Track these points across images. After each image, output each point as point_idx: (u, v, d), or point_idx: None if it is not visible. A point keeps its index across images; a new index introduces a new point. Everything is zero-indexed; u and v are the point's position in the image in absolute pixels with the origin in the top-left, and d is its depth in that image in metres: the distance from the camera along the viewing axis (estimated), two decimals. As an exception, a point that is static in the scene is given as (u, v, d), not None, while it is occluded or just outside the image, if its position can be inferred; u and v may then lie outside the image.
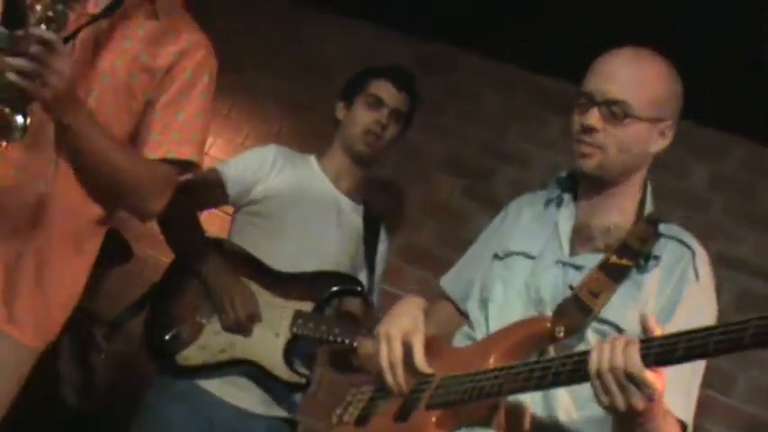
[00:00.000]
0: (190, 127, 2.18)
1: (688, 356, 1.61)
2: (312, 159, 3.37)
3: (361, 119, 3.28)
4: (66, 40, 1.99)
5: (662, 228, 2.13)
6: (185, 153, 2.18)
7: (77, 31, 2.04)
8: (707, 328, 1.60)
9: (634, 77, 2.04)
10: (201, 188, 3.14)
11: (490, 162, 4.65)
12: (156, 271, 3.56)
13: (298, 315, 3.05)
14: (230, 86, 4.12)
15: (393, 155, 4.26)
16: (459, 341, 2.22)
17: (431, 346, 2.09)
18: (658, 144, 2.12)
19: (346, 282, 3.21)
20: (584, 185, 2.21)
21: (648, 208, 2.18)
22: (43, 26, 1.81)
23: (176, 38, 2.19)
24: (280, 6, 4.86)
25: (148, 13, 2.17)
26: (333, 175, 3.33)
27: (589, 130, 2.05)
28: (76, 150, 2.03)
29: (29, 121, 1.79)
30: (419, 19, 4.40)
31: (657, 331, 1.69)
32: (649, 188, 2.22)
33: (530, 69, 4.54)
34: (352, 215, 3.35)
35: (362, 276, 3.31)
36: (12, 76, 1.75)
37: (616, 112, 2.02)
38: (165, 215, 2.40)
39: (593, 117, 2.04)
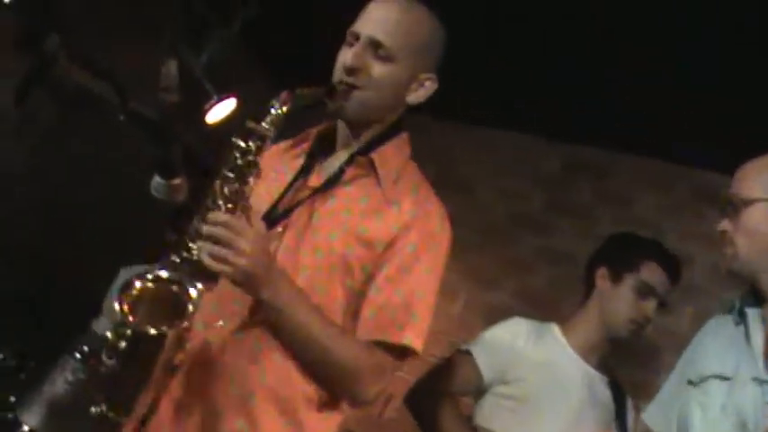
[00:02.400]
0: (409, 307, 1.95)
1: None
2: (556, 330, 3.15)
3: (628, 305, 3.08)
4: (285, 213, 1.96)
5: None
6: (401, 337, 1.94)
7: (297, 204, 1.99)
8: None
9: None
10: (454, 371, 3.05)
11: (652, 265, 4.42)
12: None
13: None
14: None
15: (548, 267, 4.13)
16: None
17: None
18: None
19: None
20: None
21: None
22: (222, 204, 1.78)
23: (400, 207, 1.98)
24: (420, 121, 4.85)
25: (371, 181, 2.02)
26: (582, 349, 3.10)
27: None
28: (278, 327, 1.91)
29: (200, 293, 1.73)
30: (566, 125, 4.30)
31: None
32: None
33: (686, 164, 4.35)
34: (604, 390, 3.12)
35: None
36: (203, 257, 1.73)
37: None
38: (416, 402, 2.28)
39: None
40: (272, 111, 1.85)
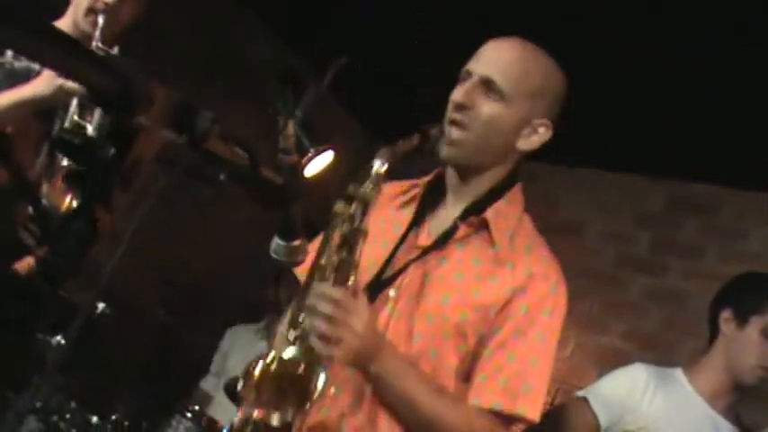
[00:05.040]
0: (523, 375, 1.86)
1: None
2: (680, 375, 3.03)
3: (755, 350, 2.94)
4: (395, 276, 1.90)
5: None
6: (513, 407, 1.85)
7: (406, 266, 1.92)
8: None
9: None
10: (570, 419, 2.97)
11: (764, 302, 4.26)
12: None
13: None
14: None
15: (658, 308, 4.00)
16: None
17: None
18: None
19: None
20: None
21: None
22: (330, 275, 1.73)
23: (514, 268, 1.89)
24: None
25: (485, 241, 1.92)
26: (709, 394, 2.95)
27: None
28: (387, 398, 1.84)
29: (325, 379, 1.69)
30: (668, 162, 4.21)
31: None
32: None
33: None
34: None
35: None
36: (312, 339, 1.67)
37: None
38: None
39: None
40: (372, 170, 1.76)
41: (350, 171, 1.86)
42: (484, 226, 1.91)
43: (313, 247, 1.75)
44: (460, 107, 1.85)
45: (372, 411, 1.86)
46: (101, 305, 3.06)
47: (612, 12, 3.32)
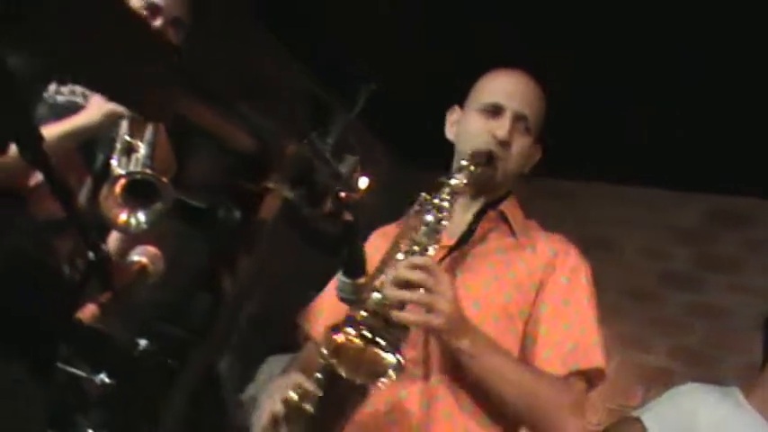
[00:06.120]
0: (586, 332, 1.99)
1: None
2: (737, 394, 3.00)
3: None
4: None
5: None
6: (591, 361, 1.96)
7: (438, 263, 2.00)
8: None
9: None
10: None
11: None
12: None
13: None
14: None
15: (702, 323, 3.94)
16: None
17: None
18: None
19: None
20: None
21: None
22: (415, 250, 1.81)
23: (535, 250, 2.06)
24: (560, 185, 4.78)
25: (502, 233, 2.09)
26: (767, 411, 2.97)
27: None
28: (477, 372, 1.87)
29: (402, 358, 1.70)
30: (705, 175, 4.17)
31: None
32: None
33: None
34: None
35: None
36: (399, 314, 1.69)
37: None
38: None
39: None
40: (452, 182, 1.91)
41: (378, 196, 1.89)
42: (500, 220, 2.07)
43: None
44: (505, 144, 2.00)
45: (437, 398, 1.89)
46: (142, 342, 3.05)
47: (645, 25, 3.31)
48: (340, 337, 1.66)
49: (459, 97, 2.13)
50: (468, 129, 2.06)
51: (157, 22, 2.25)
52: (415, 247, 1.80)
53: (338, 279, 1.55)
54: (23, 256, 1.90)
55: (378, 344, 1.65)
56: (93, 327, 1.90)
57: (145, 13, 2.24)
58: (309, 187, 1.13)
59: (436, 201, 1.87)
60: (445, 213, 1.86)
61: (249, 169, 1.08)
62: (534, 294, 1.99)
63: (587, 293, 2.02)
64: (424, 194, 1.88)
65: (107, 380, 2.60)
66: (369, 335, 1.65)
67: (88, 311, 1.86)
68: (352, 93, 3.44)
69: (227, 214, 1.09)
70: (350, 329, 1.65)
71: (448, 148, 2.12)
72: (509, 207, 2.11)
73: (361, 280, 1.56)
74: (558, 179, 4.61)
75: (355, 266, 1.53)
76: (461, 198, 2.05)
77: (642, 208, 4.57)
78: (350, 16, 3.91)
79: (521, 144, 2.03)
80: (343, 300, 1.56)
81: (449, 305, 1.75)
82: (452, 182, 1.90)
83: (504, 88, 2.07)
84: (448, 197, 1.88)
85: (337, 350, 1.66)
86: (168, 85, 0.91)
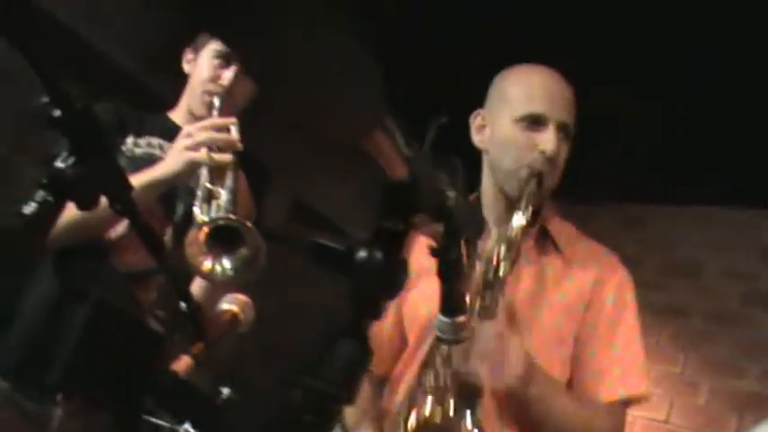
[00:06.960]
0: (631, 359, 1.96)
1: None
2: None
3: None
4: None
5: None
6: (637, 388, 1.95)
7: None
8: None
9: None
10: None
11: None
12: None
13: None
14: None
15: None
16: None
17: None
18: None
19: None
20: None
21: None
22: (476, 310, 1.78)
23: (583, 266, 2.00)
24: (635, 210, 4.69)
25: (544, 250, 2.03)
26: None
27: None
28: (541, 416, 1.87)
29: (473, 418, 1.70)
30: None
31: None
32: None
33: None
34: None
35: None
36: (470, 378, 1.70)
37: None
38: None
39: None
40: (514, 225, 1.86)
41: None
42: (542, 237, 2.02)
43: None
44: (552, 160, 1.94)
45: None
46: (225, 390, 3.03)
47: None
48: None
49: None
50: (507, 143, 1.97)
51: (230, 72, 2.23)
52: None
53: (436, 318, 1.52)
54: (109, 308, 1.89)
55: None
56: (177, 377, 1.89)
57: (217, 62, 2.24)
58: (447, 222, 1.09)
59: (499, 251, 1.82)
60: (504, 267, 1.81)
61: (399, 203, 1.04)
62: (582, 313, 1.96)
63: (633, 312, 1.99)
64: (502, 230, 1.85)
65: (191, 430, 2.59)
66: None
67: (183, 363, 1.85)
68: (423, 126, 3.43)
69: (369, 255, 1.04)
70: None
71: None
72: (550, 221, 2.05)
73: (461, 318, 1.52)
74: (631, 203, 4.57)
75: (454, 304, 1.50)
76: (496, 214, 2.04)
77: (719, 229, 4.45)
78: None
79: (563, 155, 1.97)
80: (441, 340, 1.53)
81: (522, 368, 1.77)
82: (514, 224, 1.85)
83: (542, 95, 1.97)
84: (516, 232, 1.84)
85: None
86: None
